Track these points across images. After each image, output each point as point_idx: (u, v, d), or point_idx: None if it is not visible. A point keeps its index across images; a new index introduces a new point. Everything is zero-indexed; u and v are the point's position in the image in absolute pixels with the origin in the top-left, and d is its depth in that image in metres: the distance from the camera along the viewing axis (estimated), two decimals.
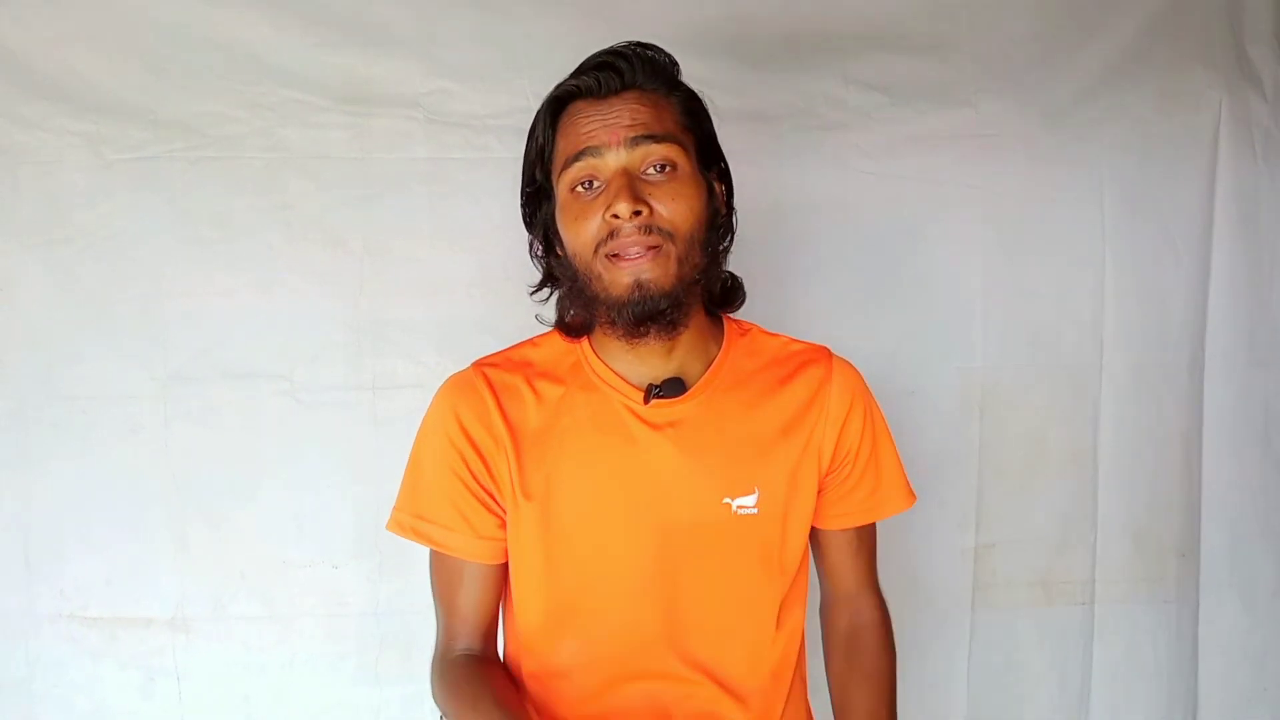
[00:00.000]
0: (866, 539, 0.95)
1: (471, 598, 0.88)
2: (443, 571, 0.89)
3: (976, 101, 1.30)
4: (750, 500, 0.85)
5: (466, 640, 0.88)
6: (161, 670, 1.24)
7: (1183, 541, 1.38)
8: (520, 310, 1.03)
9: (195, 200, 1.23)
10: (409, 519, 0.88)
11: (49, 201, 1.21)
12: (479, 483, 0.86)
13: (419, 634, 1.26)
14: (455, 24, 1.23)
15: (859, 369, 0.94)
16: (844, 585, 0.96)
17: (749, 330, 0.94)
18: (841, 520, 0.92)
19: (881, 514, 0.94)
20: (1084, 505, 1.37)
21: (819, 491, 0.90)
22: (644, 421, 0.85)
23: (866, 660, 0.94)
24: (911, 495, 0.95)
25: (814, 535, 0.95)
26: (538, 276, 0.93)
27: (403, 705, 1.27)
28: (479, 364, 0.91)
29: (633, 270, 0.79)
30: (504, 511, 0.86)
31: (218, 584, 1.25)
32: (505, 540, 0.87)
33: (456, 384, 0.89)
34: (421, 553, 1.24)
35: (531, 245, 0.92)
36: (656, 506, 0.84)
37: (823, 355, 0.92)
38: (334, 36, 1.23)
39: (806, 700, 0.97)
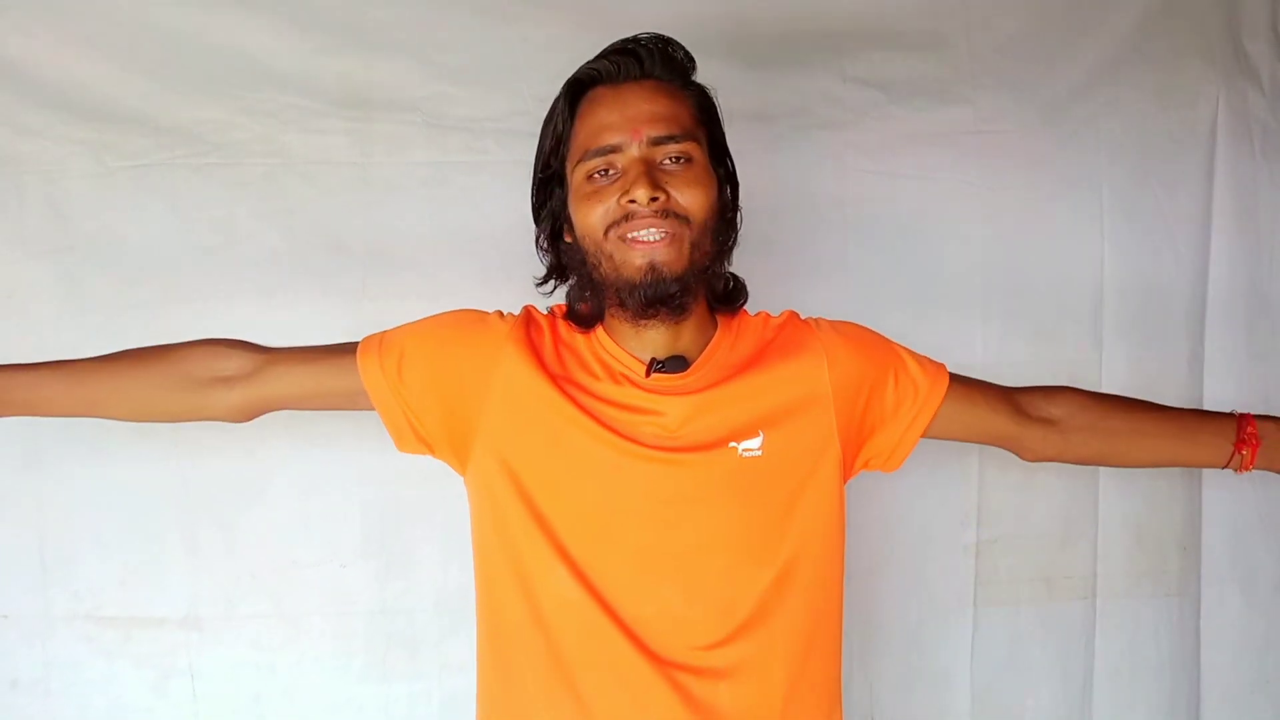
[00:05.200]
0: (961, 392, 0.98)
1: (305, 374, 0.96)
2: (330, 354, 0.96)
3: (974, 98, 1.37)
4: (755, 443, 0.89)
5: (251, 357, 0.96)
6: (175, 669, 1.32)
7: (1184, 535, 1.44)
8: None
9: (198, 207, 1.30)
10: (378, 335, 0.96)
11: (53, 209, 1.28)
12: (451, 392, 0.91)
13: (426, 632, 1.33)
14: (453, 27, 1.30)
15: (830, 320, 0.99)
16: (1001, 423, 1.00)
17: (738, 315, 1.00)
18: (924, 414, 0.95)
19: (932, 396, 0.96)
20: (1085, 501, 1.42)
21: (869, 433, 0.94)
22: (649, 391, 0.91)
23: (1101, 406, 1.02)
24: (941, 365, 0.99)
25: (947, 432, 0.98)
26: (534, 277, 1.00)
27: (409, 702, 1.34)
28: (524, 323, 0.96)
29: (647, 253, 0.85)
30: (431, 437, 0.93)
31: (228, 584, 1.31)
32: (423, 439, 0.93)
33: (522, 314, 0.96)
34: (428, 552, 1.31)
35: (538, 238, 0.98)
36: (663, 453, 0.88)
37: (792, 318, 0.98)
38: (332, 42, 1.29)
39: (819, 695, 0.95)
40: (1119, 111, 1.39)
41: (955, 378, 1.00)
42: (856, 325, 1.00)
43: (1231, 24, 1.39)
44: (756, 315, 1.00)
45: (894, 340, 1.00)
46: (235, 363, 0.97)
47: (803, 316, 1.00)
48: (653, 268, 0.85)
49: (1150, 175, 1.40)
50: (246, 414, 0.99)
